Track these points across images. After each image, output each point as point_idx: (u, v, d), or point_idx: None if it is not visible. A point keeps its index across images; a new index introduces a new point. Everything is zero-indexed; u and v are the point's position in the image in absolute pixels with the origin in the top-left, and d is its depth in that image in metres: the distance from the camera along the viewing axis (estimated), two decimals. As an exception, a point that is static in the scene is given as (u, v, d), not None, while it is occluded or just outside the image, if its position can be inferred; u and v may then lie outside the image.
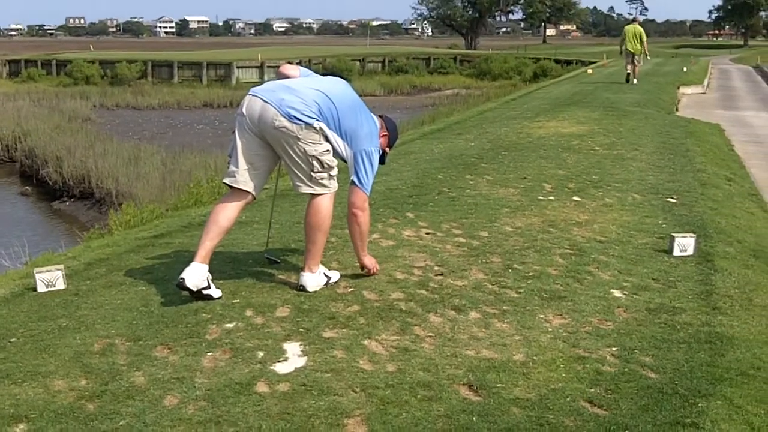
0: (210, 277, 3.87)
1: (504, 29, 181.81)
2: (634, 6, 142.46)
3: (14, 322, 3.68)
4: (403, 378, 3.07)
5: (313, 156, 3.83)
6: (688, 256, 4.81)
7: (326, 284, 4.09)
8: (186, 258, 4.02)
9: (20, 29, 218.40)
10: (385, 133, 4.19)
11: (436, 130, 12.01)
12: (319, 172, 3.87)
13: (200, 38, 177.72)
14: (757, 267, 4.83)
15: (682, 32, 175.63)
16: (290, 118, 3.76)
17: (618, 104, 14.75)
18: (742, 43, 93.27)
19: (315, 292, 4.00)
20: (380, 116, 4.23)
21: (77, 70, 42.12)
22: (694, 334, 3.58)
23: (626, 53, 19.49)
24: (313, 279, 4.03)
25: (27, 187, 18.84)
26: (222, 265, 4.35)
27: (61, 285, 4.17)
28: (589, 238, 5.20)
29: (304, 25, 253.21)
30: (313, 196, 3.94)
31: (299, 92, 3.84)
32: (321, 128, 3.83)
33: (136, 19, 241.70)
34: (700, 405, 2.89)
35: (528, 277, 4.35)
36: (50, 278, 4.15)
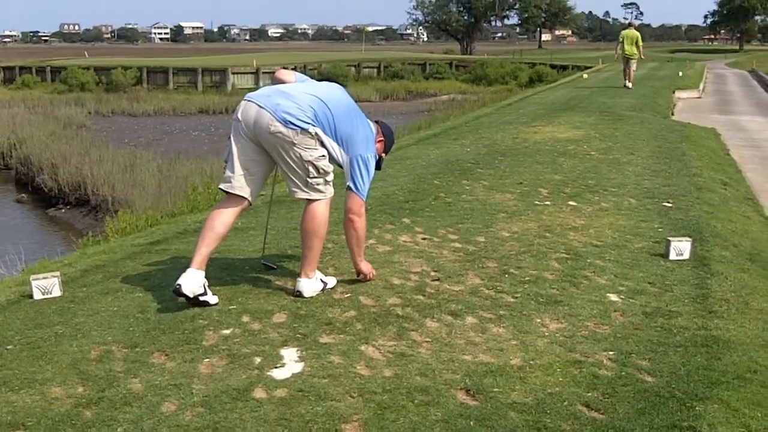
0: (206, 284, 3.86)
1: (499, 34, 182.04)
2: (630, 11, 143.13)
3: (10, 330, 3.67)
4: (401, 383, 3.07)
5: (309, 161, 3.83)
6: (684, 260, 4.82)
7: (323, 290, 4.08)
8: (182, 264, 4.02)
9: (14, 36, 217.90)
10: (381, 138, 4.18)
11: (432, 135, 12.02)
12: (315, 177, 3.87)
13: (195, 44, 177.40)
14: (753, 271, 4.84)
15: (678, 37, 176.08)
16: (286, 123, 3.76)
17: (614, 109, 14.80)
18: (737, 47, 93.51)
19: (312, 297, 4.00)
20: (376, 121, 4.23)
21: (72, 77, 42.01)
22: (690, 338, 3.58)
23: (622, 57, 19.58)
24: (310, 285, 4.03)
25: (23, 195, 18.78)
26: (218, 272, 4.35)
27: (57, 292, 4.15)
28: (586, 243, 5.20)
29: (300, 31, 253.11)
30: (309, 201, 3.94)
31: (295, 97, 3.84)
32: (316, 133, 3.83)
33: (130, 26, 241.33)
34: (697, 408, 2.89)
35: (524, 281, 4.36)
36: (46, 285, 4.14)
